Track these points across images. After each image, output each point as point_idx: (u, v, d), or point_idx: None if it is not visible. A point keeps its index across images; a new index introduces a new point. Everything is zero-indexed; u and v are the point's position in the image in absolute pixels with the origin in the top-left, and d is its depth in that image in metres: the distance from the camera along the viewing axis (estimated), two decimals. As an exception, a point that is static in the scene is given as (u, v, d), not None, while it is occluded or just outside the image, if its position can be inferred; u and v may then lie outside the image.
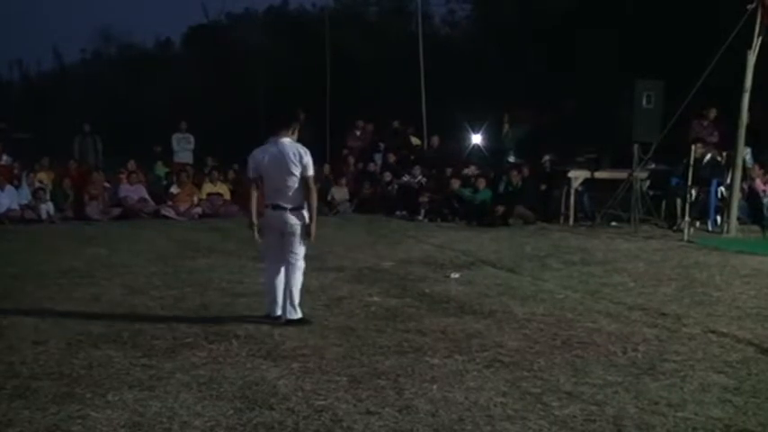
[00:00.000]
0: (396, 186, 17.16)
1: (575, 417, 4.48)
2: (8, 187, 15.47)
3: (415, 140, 19.14)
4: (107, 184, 16.70)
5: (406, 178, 17.22)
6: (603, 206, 14.11)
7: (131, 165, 17.33)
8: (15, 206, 15.28)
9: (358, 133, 19.68)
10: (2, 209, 15.08)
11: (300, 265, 6.67)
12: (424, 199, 15.79)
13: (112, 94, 36.55)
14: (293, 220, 6.60)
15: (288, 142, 6.67)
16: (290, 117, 7.00)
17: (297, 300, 6.65)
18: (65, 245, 11.93)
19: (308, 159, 6.63)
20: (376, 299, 7.75)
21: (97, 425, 4.36)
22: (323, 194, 17.07)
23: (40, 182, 16.22)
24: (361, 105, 22.16)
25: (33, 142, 25.58)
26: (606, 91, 16.14)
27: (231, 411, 4.55)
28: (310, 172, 6.64)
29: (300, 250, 6.66)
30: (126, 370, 5.34)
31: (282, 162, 6.58)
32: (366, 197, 17.24)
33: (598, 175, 14.54)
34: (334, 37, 24.40)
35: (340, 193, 17.23)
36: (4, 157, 17.70)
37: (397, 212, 16.20)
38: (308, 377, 5.18)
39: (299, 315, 6.64)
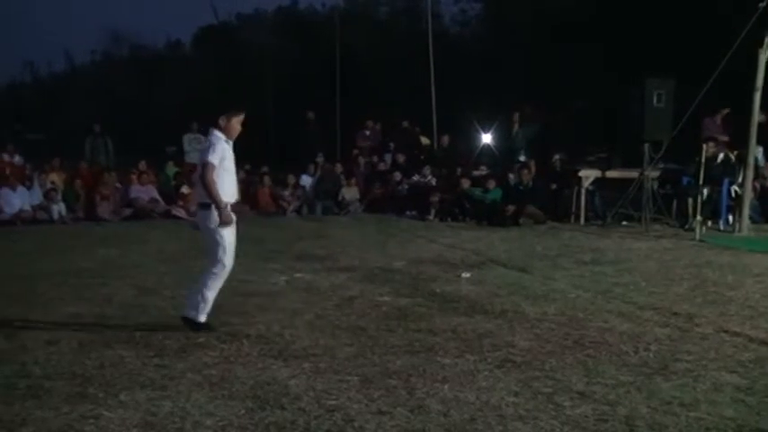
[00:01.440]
0: (406, 186, 17.16)
1: (587, 417, 4.45)
2: (20, 188, 15.59)
3: (424, 140, 19.15)
4: (118, 185, 16.76)
5: (416, 178, 17.21)
6: (614, 205, 14.09)
7: (142, 165, 17.39)
8: (27, 207, 15.40)
9: (368, 133, 19.71)
10: (14, 209, 15.18)
11: (214, 269, 6.25)
12: (434, 198, 15.78)
13: (123, 94, 36.66)
14: (200, 219, 6.32)
15: (210, 134, 6.34)
16: (220, 111, 6.43)
17: (203, 303, 6.27)
18: (76, 245, 11.97)
19: (206, 145, 6.26)
20: (387, 298, 7.74)
21: (110, 424, 4.37)
22: (333, 194, 17.13)
23: (52, 182, 16.30)
24: (370, 105, 22.18)
25: (45, 143, 25.70)
26: (616, 90, 16.09)
27: (243, 411, 4.55)
28: (206, 157, 6.17)
29: (212, 252, 6.26)
30: (138, 370, 5.35)
31: (201, 155, 6.40)
32: (376, 197, 17.24)
33: (609, 174, 14.54)
34: (344, 37, 24.41)
35: (350, 192, 17.25)
36: (17, 158, 17.79)
37: (408, 212, 16.21)
38: (319, 377, 5.17)
39: (201, 319, 6.30)
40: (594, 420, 4.40)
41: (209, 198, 6.16)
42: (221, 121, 6.32)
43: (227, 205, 6.21)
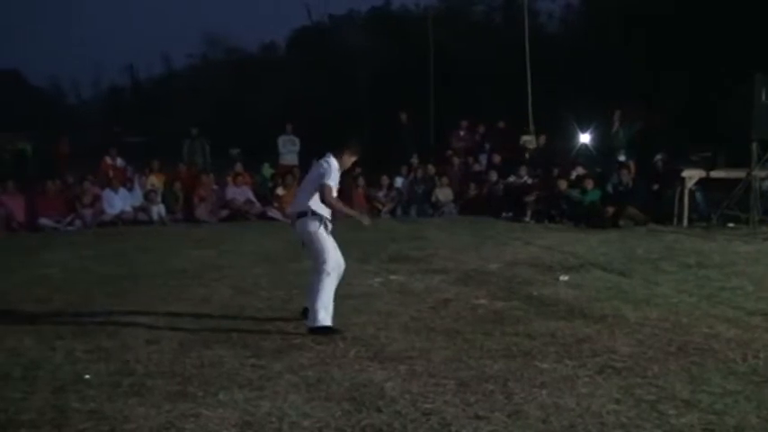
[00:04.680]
0: (501, 187, 16.96)
1: (692, 426, 4.32)
2: (122, 190, 16.05)
3: (527, 138, 18.70)
4: (215, 187, 17.06)
5: (511, 179, 17.00)
6: (719, 206, 13.65)
7: (238, 167, 17.65)
8: (128, 208, 15.83)
9: (462, 133, 19.56)
10: (116, 210, 15.64)
11: (323, 271, 6.42)
12: (530, 199, 15.57)
13: (219, 97, 37.30)
14: (300, 226, 6.59)
15: (326, 156, 6.68)
16: (345, 142, 6.82)
17: (321, 307, 6.36)
18: (175, 246, 12.24)
19: (325, 169, 6.55)
20: (483, 301, 7.66)
21: (209, 423, 4.44)
22: (427, 195, 17.07)
23: (152, 185, 16.72)
24: (465, 105, 22.02)
25: (144, 145, 26.42)
26: (720, 87, 15.60)
27: (339, 413, 4.55)
28: (325, 179, 6.50)
29: (319, 255, 6.48)
30: (236, 370, 5.42)
31: (312, 170, 6.77)
32: (471, 198, 17.09)
33: (713, 174, 14.06)
34: (438, 36, 24.31)
35: (444, 194, 17.14)
36: (118, 161, 18.34)
37: (504, 214, 16.01)
38: (415, 380, 5.15)
39: (326, 323, 6.39)
40: (700, 430, 4.28)
41: (339, 214, 6.69)
42: (337, 152, 6.68)
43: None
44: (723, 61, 18.92)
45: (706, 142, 14.96)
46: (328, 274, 6.41)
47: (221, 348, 5.95)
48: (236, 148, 20.60)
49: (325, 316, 6.36)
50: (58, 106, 45.15)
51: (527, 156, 18.07)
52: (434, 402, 4.71)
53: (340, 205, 6.64)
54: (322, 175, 6.50)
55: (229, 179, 17.03)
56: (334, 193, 6.57)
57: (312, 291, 6.45)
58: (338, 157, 6.66)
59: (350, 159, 6.82)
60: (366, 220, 6.77)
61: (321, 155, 6.77)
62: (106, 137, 26.01)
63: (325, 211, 6.56)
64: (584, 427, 4.32)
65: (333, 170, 6.54)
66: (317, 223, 6.48)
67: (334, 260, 6.48)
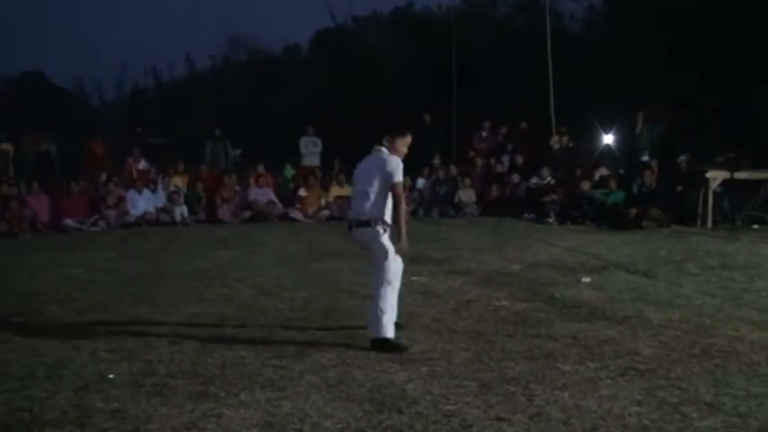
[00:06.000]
0: (524, 188, 16.92)
1: (715, 429, 4.29)
2: (145, 191, 16.19)
3: (555, 139, 18.49)
4: (238, 188, 17.15)
5: (534, 180, 16.95)
6: (744, 208, 13.53)
7: (260, 168, 17.73)
8: (152, 209, 15.96)
9: (484, 134, 19.53)
10: (139, 211, 15.77)
11: (383, 279, 5.97)
12: (552, 200, 15.52)
13: (241, 98, 37.40)
14: (361, 236, 6.11)
15: (380, 151, 6.15)
16: (388, 128, 6.24)
17: (382, 320, 5.93)
18: (198, 247, 12.30)
19: (394, 166, 5.96)
20: (504, 303, 7.64)
21: (231, 423, 4.44)
22: (449, 196, 17.06)
23: (175, 186, 16.83)
24: (487, 106, 21.96)
25: (168, 147, 26.54)
26: (746, 87, 15.45)
27: (360, 414, 4.55)
28: (396, 178, 5.94)
29: (379, 266, 6.00)
30: (257, 370, 5.42)
31: (367, 170, 6.16)
32: (493, 199, 17.05)
33: (738, 175, 13.94)
34: (461, 37, 24.26)
35: (466, 195, 17.13)
36: (142, 162, 18.47)
37: (526, 215, 15.97)
38: (436, 381, 5.13)
39: (388, 334, 5.97)
40: (724, 433, 4.23)
41: (397, 222, 5.99)
42: (386, 141, 6.18)
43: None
44: (747, 63, 18.76)
45: (731, 143, 14.83)
46: (389, 282, 6.01)
47: (243, 349, 5.97)
48: (237, 148, 20.67)
49: (386, 326, 5.95)
50: (82, 107, 45.36)
51: (556, 156, 17.99)
52: (456, 404, 4.70)
53: (404, 213, 6.02)
54: (390, 174, 5.93)
55: (252, 180, 17.12)
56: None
57: (374, 297, 6.03)
58: (390, 146, 6.14)
59: (402, 145, 6.19)
60: (401, 250, 6.00)
61: (368, 149, 6.29)
62: (129, 138, 26.12)
63: (388, 216, 6.04)
64: (606, 429, 4.29)
65: (399, 165, 5.99)
66: (380, 232, 6.01)
67: (395, 267, 6.05)
